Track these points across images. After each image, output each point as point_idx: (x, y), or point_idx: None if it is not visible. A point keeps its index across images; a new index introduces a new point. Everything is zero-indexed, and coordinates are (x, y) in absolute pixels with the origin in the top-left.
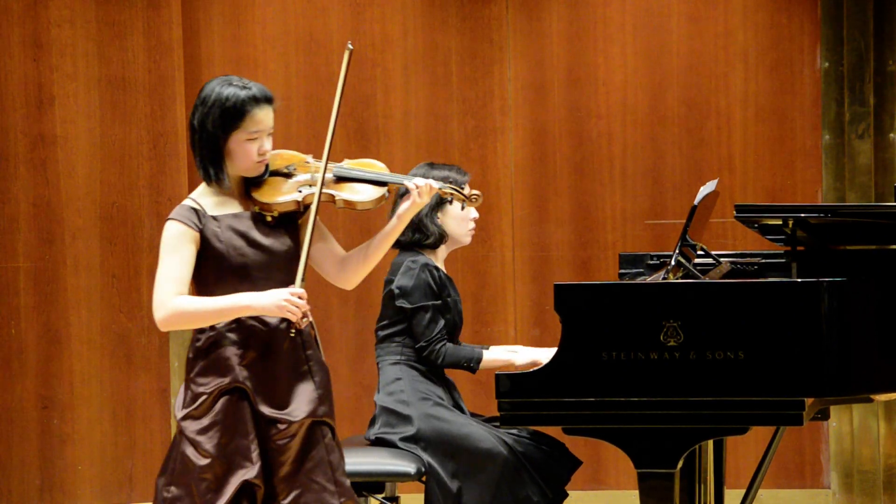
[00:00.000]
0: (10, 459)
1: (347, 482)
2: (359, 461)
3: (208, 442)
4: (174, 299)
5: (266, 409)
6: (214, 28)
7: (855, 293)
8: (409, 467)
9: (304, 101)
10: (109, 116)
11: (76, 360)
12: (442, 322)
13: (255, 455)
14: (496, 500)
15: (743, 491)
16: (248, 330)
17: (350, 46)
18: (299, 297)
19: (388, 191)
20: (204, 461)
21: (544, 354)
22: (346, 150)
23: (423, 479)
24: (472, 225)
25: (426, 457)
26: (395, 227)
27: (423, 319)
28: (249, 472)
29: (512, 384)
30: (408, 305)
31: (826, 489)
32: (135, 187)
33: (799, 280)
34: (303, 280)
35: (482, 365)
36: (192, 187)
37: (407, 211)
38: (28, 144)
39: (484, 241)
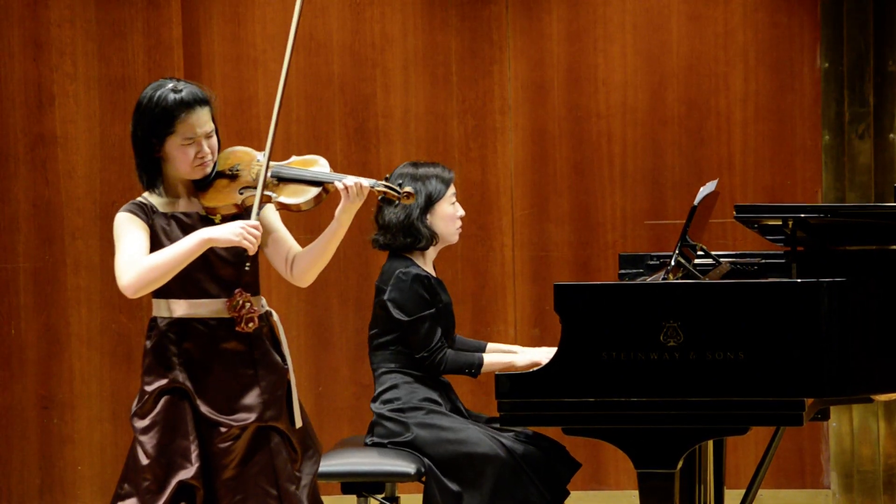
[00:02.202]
0: (10, 459)
1: (292, 488)
2: (358, 461)
3: (149, 442)
4: (137, 261)
5: (207, 411)
6: (214, 28)
7: (855, 293)
8: (409, 467)
9: (304, 101)
10: (109, 116)
11: (76, 359)
12: (440, 331)
13: (194, 456)
14: (495, 503)
15: (743, 491)
16: (189, 330)
17: None
18: (255, 229)
19: (326, 190)
20: (146, 461)
21: (544, 354)
22: (346, 150)
23: (423, 479)
24: (459, 223)
25: (425, 462)
26: (336, 230)
27: (421, 330)
28: (187, 473)
29: (512, 384)
30: (405, 318)
31: (826, 489)
32: (135, 187)
33: (799, 280)
34: (257, 215)
35: (482, 370)
36: None
37: (343, 212)
38: (28, 144)
39: (484, 241)
